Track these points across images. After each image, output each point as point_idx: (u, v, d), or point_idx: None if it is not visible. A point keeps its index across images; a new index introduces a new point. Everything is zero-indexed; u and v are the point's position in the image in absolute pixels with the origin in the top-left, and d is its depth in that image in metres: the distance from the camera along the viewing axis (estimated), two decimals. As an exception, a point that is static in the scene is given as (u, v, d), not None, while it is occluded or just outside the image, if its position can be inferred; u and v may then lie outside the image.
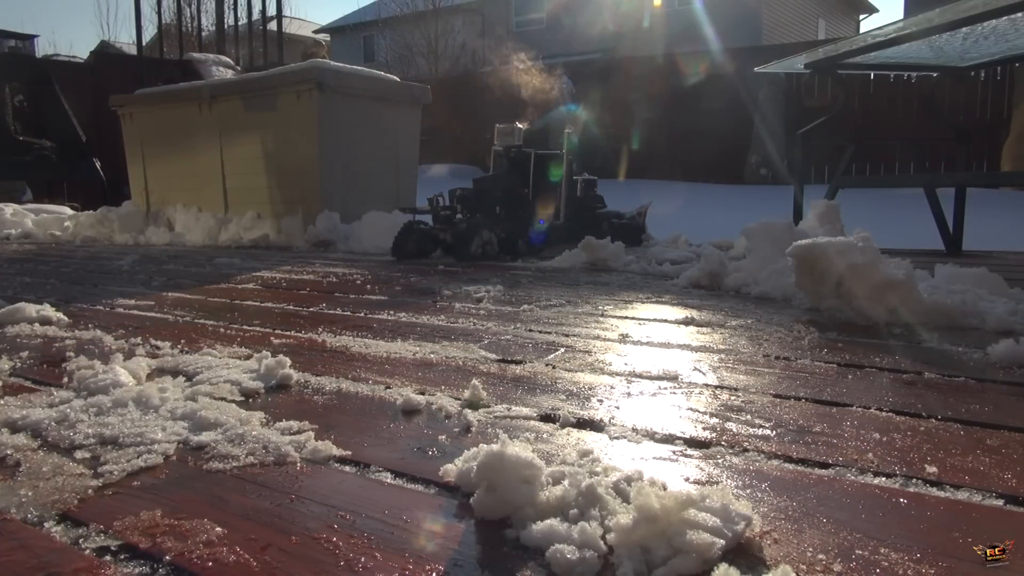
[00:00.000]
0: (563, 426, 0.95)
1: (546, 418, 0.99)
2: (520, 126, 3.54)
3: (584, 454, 0.82)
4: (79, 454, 0.85)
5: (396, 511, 0.70)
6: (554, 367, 1.26)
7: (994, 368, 1.24)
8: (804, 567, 0.59)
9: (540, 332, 1.58)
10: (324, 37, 25.24)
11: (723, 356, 1.34)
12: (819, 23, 22.50)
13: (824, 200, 2.79)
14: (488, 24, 22.77)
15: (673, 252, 3.15)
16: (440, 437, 0.91)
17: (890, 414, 0.98)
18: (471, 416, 0.98)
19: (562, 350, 1.40)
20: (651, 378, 1.19)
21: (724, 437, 0.90)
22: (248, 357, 1.32)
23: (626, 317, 1.76)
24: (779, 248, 2.08)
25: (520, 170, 3.52)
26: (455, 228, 3.20)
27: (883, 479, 0.77)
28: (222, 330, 1.65)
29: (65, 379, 1.18)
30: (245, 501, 0.73)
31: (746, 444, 0.87)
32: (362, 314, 1.85)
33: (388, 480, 0.79)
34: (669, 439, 0.89)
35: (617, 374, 1.21)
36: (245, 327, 1.68)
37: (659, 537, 0.61)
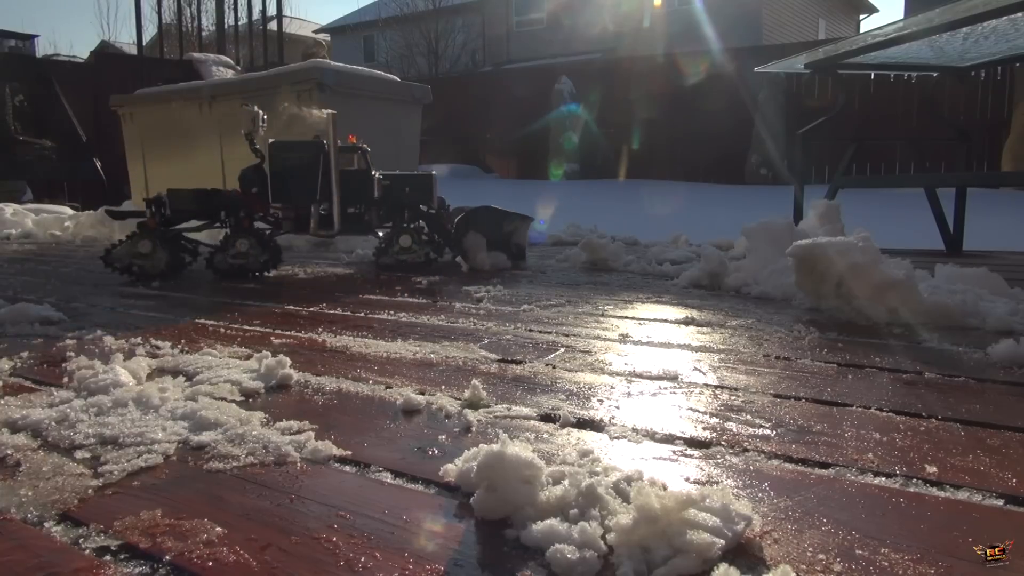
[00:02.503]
0: (563, 426, 0.95)
1: (546, 418, 0.99)
2: (257, 109, 2.73)
3: (584, 454, 0.82)
4: (79, 454, 0.85)
5: (396, 511, 0.70)
6: (554, 367, 1.26)
7: (994, 368, 1.24)
8: (804, 567, 0.59)
9: (540, 332, 1.58)
10: (324, 37, 25.21)
11: (723, 356, 1.34)
12: (819, 23, 22.50)
13: (824, 200, 2.79)
14: (488, 24, 22.77)
15: (673, 252, 3.15)
16: (440, 437, 0.91)
17: (890, 414, 0.98)
18: (471, 416, 0.98)
19: (562, 350, 1.40)
20: (651, 378, 1.19)
21: (724, 437, 0.90)
22: (248, 357, 1.32)
23: (626, 317, 1.76)
24: (779, 248, 2.08)
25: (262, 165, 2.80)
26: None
27: (883, 479, 0.77)
28: (222, 330, 1.65)
29: (65, 379, 1.18)
30: (245, 501, 0.73)
31: (746, 444, 0.87)
32: (362, 314, 1.85)
33: (388, 480, 0.79)
34: (669, 439, 0.89)
35: (617, 374, 1.21)
36: (245, 327, 1.68)
37: (659, 537, 0.61)
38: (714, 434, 0.91)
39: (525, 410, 1.01)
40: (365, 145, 2.88)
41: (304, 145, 2.77)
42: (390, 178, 2.88)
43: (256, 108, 2.72)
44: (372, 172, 2.84)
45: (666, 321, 1.70)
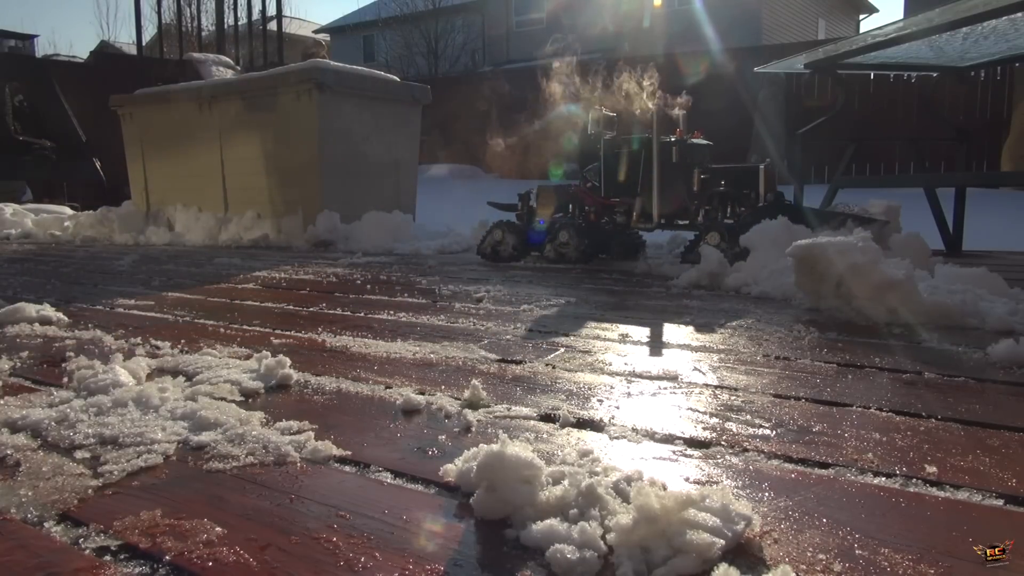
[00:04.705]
0: (563, 426, 0.95)
1: (546, 418, 0.99)
2: (605, 110, 2.90)
3: (584, 454, 0.82)
4: (79, 454, 0.85)
5: (396, 511, 0.70)
6: (554, 367, 1.26)
7: (994, 368, 1.24)
8: (804, 567, 0.59)
9: (540, 332, 1.58)
10: (324, 37, 25.19)
11: (723, 356, 1.34)
12: (819, 23, 22.49)
13: (884, 201, 2.72)
14: (488, 24, 22.77)
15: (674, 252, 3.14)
16: (440, 437, 0.91)
17: (890, 414, 0.98)
18: (471, 416, 0.98)
19: (562, 350, 1.40)
20: (651, 378, 1.19)
21: (724, 437, 0.90)
22: (248, 357, 1.32)
23: (626, 317, 1.76)
24: (779, 248, 2.08)
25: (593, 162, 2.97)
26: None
27: (883, 479, 0.77)
28: (222, 330, 1.65)
29: (65, 379, 1.18)
30: (245, 501, 0.73)
31: (746, 444, 0.87)
32: (362, 314, 1.84)
33: (388, 480, 0.79)
34: (669, 439, 0.89)
35: (617, 374, 1.21)
36: (245, 327, 1.68)
37: (659, 537, 0.61)
38: (714, 434, 0.91)
39: (525, 410, 1.01)
40: (696, 139, 2.85)
41: (630, 141, 2.82)
42: (710, 171, 2.81)
43: (602, 109, 2.86)
44: (692, 165, 2.80)
45: (666, 321, 1.70)
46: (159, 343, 1.48)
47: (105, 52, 15.04)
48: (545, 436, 0.91)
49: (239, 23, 11.60)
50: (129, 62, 7.97)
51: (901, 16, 12.78)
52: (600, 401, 1.06)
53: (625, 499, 0.68)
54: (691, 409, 1.01)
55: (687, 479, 0.77)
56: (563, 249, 2.91)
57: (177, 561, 0.61)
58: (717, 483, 0.75)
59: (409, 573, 0.59)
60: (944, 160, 8.37)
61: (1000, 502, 0.71)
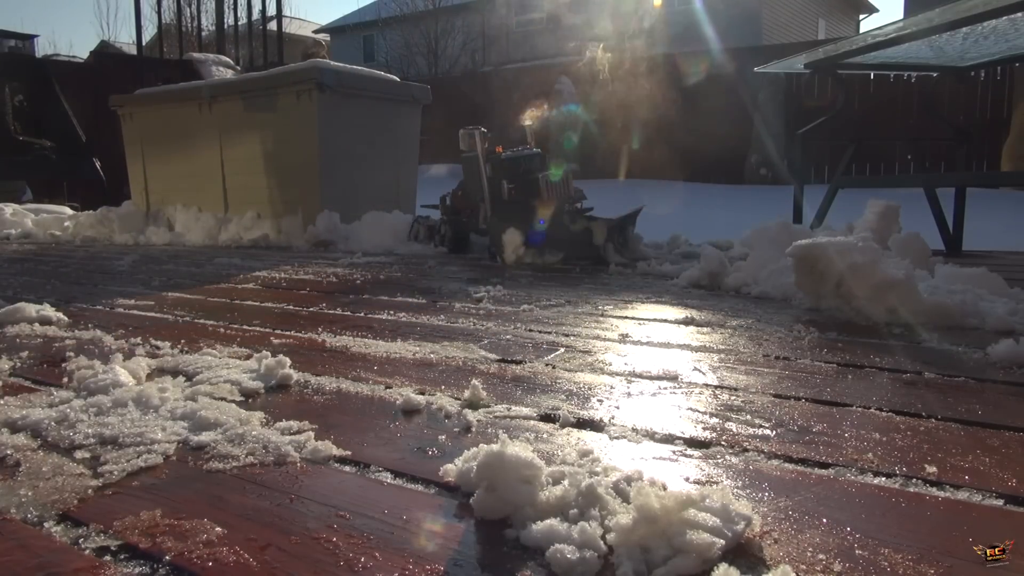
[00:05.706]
0: (563, 426, 0.95)
1: (546, 418, 0.99)
2: (480, 129, 3.33)
3: (584, 454, 0.82)
4: (79, 454, 0.86)
5: (396, 511, 0.70)
6: (554, 367, 1.26)
7: (994, 368, 1.24)
8: (804, 567, 0.59)
9: (540, 332, 1.58)
10: (324, 37, 25.20)
11: (723, 356, 1.34)
12: (819, 23, 22.50)
13: (883, 201, 2.73)
14: (488, 24, 22.77)
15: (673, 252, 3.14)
16: (440, 437, 0.91)
17: (890, 414, 0.98)
18: (471, 416, 0.98)
19: (562, 350, 1.40)
20: (651, 378, 1.19)
21: (724, 437, 0.90)
22: (248, 357, 1.32)
23: (626, 317, 1.76)
24: (779, 248, 2.08)
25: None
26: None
27: (883, 479, 0.77)
28: (222, 330, 1.65)
29: (65, 379, 1.18)
30: (245, 501, 0.73)
31: (746, 444, 0.87)
32: (362, 314, 1.85)
33: (388, 480, 0.79)
34: (669, 439, 0.89)
35: (617, 374, 1.21)
36: (245, 327, 1.68)
37: (659, 537, 0.61)
38: (714, 434, 0.91)
39: (525, 410, 1.01)
40: (495, 149, 3.28)
41: (470, 158, 3.33)
42: (515, 181, 3.22)
43: (478, 128, 3.28)
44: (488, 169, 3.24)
45: (666, 321, 1.70)
46: (159, 343, 1.48)
47: (105, 52, 15.02)
48: (545, 436, 0.91)
49: (239, 23, 11.61)
50: (129, 62, 7.96)
51: (901, 16, 12.79)
52: (600, 401, 1.06)
53: (625, 499, 0.68)
54: (691, 409, 1.01)
55: (687, 479, 0.77)
56: (443, 238, 3.60)
57: (177, 561, 0.61)
58: (717, 483, 0.75)
59: (409, 573, 0.59)
60: (944, 160, 8.37)
61: (1000, 502, 0.71)
